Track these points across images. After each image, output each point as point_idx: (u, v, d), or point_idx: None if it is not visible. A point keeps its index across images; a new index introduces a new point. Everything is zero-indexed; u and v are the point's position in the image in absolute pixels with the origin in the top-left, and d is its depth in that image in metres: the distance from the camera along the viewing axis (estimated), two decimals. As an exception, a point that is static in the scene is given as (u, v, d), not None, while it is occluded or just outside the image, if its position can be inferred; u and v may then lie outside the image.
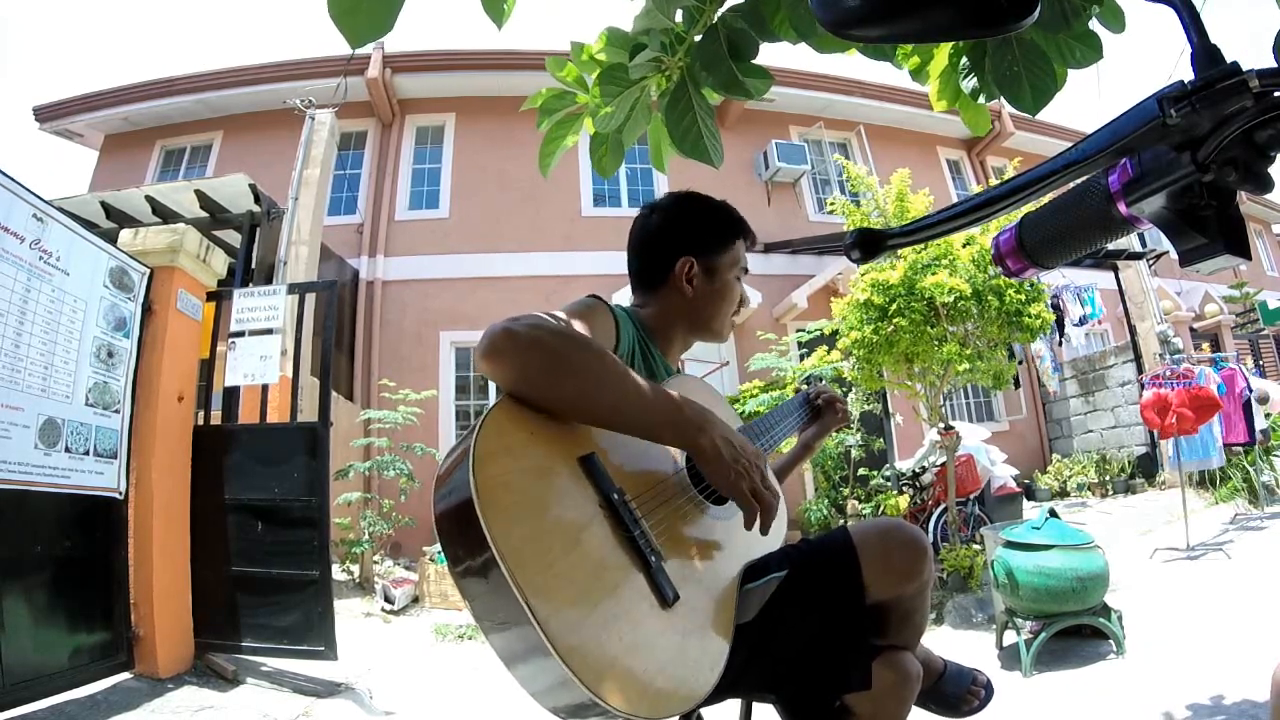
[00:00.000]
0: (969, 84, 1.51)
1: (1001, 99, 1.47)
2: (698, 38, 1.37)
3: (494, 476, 0.70)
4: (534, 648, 0.66)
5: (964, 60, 1.51)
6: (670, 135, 1.47)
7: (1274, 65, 0.43)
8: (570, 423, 0.83)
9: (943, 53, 1.58)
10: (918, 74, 1.64)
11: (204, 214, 6.08)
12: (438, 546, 5.42)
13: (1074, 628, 3.10)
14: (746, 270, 1.24)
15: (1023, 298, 4.41)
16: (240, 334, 3.57)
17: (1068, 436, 9.32)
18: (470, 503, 0.67)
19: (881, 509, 5.97)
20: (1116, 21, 1.42)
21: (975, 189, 7.61)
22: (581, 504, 0.77)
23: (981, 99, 1.54)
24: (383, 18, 1.03)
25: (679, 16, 1.37)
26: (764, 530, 0.84)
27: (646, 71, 1.40)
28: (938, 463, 5.30)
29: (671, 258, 1.17)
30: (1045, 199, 0.57)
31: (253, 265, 6.04)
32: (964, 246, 4.52)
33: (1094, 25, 1.44)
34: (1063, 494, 8.11)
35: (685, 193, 1.24)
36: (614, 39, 1.46)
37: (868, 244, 0.63)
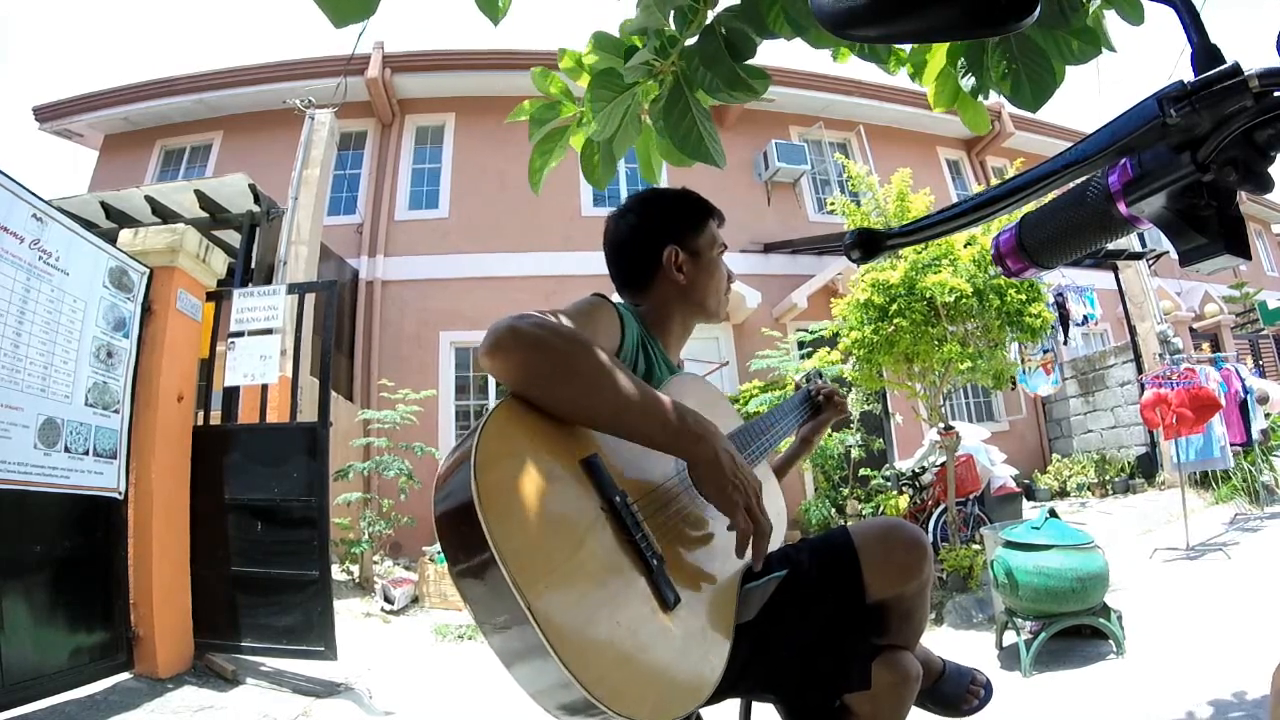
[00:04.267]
0: (968, 83, 1.50)
1: (1001, 97, 1.47)
2: (692, 40, 1.36)
3: (496, 478, 0.70)
4: (535, 650, 0.66)
5: (962, 59, 1.51)
6: (670, 140, 1.45)
7: (1274, 65, 0.43)
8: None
9: (940, 53, 1.58)
10: (915, 77, 1.64)
11: (204, 214, 6.08)
12: (438, 546, 5.43)
13: (1074, 628, 3.10)
14: (725, 247, 1.27)
15: (1023, 297, 4.41)
16: (240, 334, 3.57)
17: (1068, 436, 9.32)
18: (471, 505, 0.67)
19: (881, 509, 5.97)
20: (1135, 13, 1.41)
21: (975, 189, 7.61)
22: (583, 507, 0.77)
23: (980, 97, 1.53)
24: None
25: (671, 17, 1.36)
26: (755, 561, 0.85)
27: (640, 75, 1.38)
28: (938, 463, 5.30)
29: (656, 252, 1.19)
30: (1045, 199, 0.57)
31: (252, 265, 6.04)
32: (965, 246, 4.52)
33: (1112, 18, 1.43)
34: (1062, 494, 8.11)
35: (648, 191, 1.27)
36: (603, 44, 1.44)
37: (867, 244, 0.63)
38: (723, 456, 0.82)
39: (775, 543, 1.09)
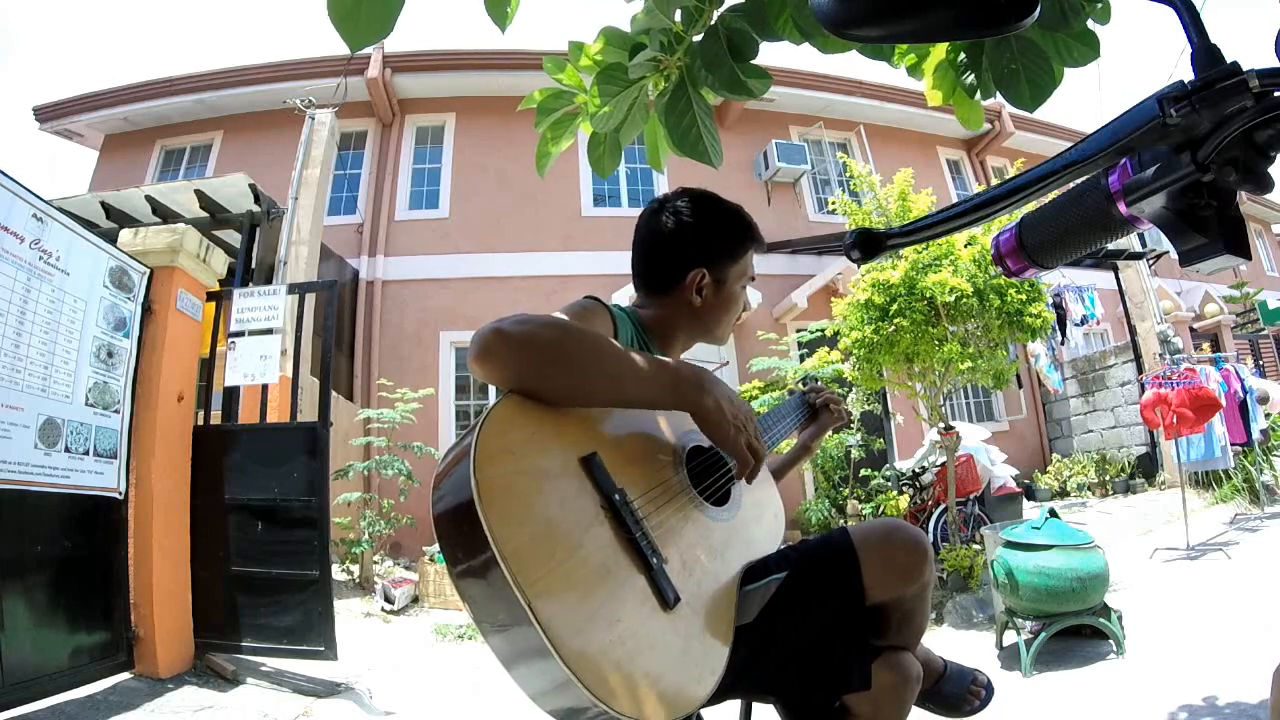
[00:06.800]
0: (966, 81, 1.51)
1: (1001, 97, 1.47)
2: (697, 37, 1.36)
3: (495, 477, 0.70)
4: (535, 650, 0.66)
5: (961, 57, 1.51)
6: (670, 135, 1.46)
7: (1274, 65, 0.43)
8: (572, 418, 0.83)
9: (940, 49, 1.58)
10: (914, 70, 1.64)
11: (204, 214, 6.07)
12: (438, 546, 5.45)
13: (1074, 628, 3.10)
14: (753, 279, 1.23)
15: (1024, 297, 4.41)
16: (240, 334, 3.57)
17: (1068, 436, 9.32)
18: (472, 503, 0.67)
19: (882, 509, 5.97)
20: (1103, 14, 1.42)
21: (975, 189, 7.61)
22: (583, 505, 0.77)
23: (979, 96, 1.53)
24: (382, 20, 1.03)
25: (678, 16, 1.37)
26: (750, 479, 0.90)
27: (645, 71, 1.39)
28: (938, 463, 5.30)
29: (683, 267, 1.14)
30: (1045, 199, 0.57)
31: (253, 265, 6.03)
32: (966, 246, 4.52)
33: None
34: (1063, 494, 8.11)
35: (700, 195, 1.18)
36: (612, 39, 1.45)
37: (868, 244, 0.63)
38: (723, 403, 0.87)
39: (774, 544, 1.09)
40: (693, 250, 1.14)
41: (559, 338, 0.80)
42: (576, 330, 0.83)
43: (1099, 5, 1.40)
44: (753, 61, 1.37)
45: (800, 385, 1.50)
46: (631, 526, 0.79)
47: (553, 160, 1.63)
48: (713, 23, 1.34)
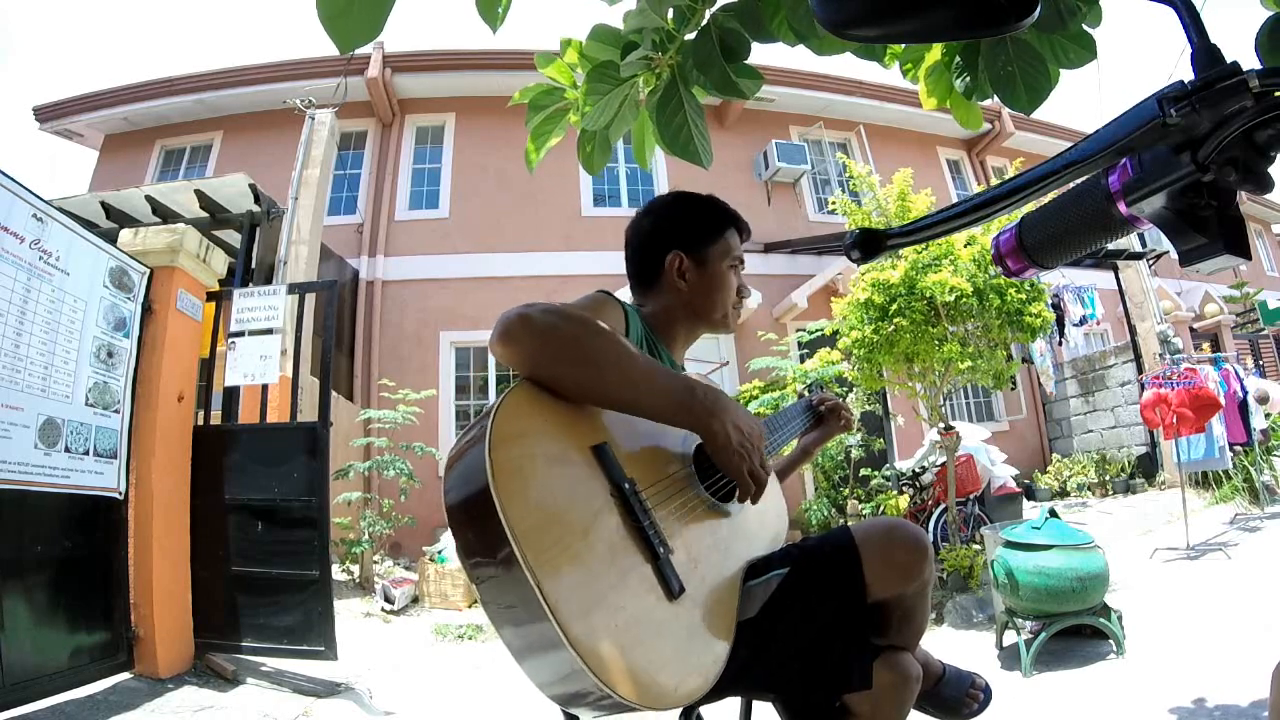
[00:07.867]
0: (962, 83, 1.51)
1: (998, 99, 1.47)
2: (689, 36, 1.36)
3: (509, 460, 0.71)
4: (542, 633, 0.67)
5: (957, 59, 1.51)
6: (660, 134, 1.46)
7: (1274, 65, 0.43)
8: (584, 409, 0.84)
9: (934, 52, 1.58)
10: (908, 74, 1.64)
11: (204, 214, 6.07)
12: (437, 546, 5.46)
13: (1074, 628, 3.10)
14: (741, 261, 1.24)
15: (1023, 297, 4.41)
16: (240, 334, 3.57)
17: (1068, 436, 9.32)
18: (486, 484, 0.68)
19: (882, 509, 5.97)
20: (1094, 17, 1.42)
21: (975, 189, 7.61)
22: (593, 491, 0.78)
23: (975, 98, 1.53)
24: (372, 22, 1.03)
25: (670, 15, 1.36)
26: (754, 501, 0.89)
27: (637, 69, 1.39)
28: (938, 463, 5.30)
29: (661, 255, 1.19)
30: (1045, 199, 0.57)
31: (253, 265, 6.03)
32: (965, 246, 4.52)
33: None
34: (1063, 494, 8.11)
35: (673, 192, 1.26)
36: (604, 36, 1.44)
37: (868, 244, 0.63)
38: (730, 429, 0.84)
39: (778, 542, 1.09)
40: (667, 236, 1.20)
41: (581, 333, 0.81)
42: (601, 330, 0.83)
43: (1093, 8, 1.40)
44: (745, 61, 1.37)
45: (807, 391, 1.52)
46: (640, 515, 0.80)
47: (542, 156, 1.63)
48: (705, 22, 1.33)
